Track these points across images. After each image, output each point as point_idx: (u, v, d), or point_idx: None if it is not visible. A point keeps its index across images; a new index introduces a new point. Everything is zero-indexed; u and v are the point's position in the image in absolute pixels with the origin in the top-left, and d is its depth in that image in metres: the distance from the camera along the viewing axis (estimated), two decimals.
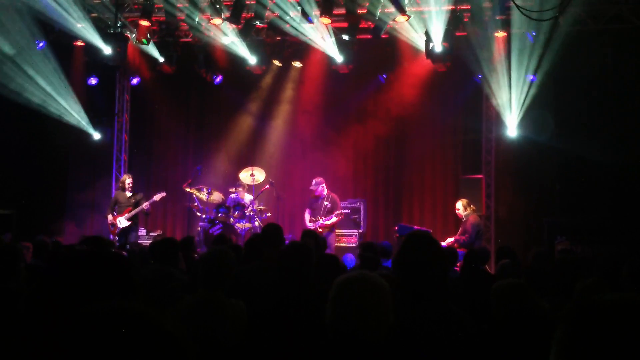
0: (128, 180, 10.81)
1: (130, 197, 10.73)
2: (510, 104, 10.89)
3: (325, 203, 10.27)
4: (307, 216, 10.48)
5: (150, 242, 9.66)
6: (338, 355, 2.20)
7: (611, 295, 1.18)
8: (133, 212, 10.59)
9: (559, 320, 1.19)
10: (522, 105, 10.82)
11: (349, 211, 10.83)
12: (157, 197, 10.78)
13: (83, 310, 1.24)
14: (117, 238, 10.57)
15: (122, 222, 10.58)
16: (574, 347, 1.14)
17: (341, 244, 10.71)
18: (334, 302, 2.25)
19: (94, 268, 2.05)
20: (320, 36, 10.84)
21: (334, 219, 10.12)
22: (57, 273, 2.10)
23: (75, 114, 12.32)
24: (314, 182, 10.40)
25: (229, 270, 3.55)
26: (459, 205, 9.73)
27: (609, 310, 1.15)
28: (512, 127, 11.03)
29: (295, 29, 10.82)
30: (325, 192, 10.38)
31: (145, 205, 10.62)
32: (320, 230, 10.04)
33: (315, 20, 10.34)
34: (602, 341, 1.11)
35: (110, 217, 10.72)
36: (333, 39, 10.80)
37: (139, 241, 10.70)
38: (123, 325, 1.21)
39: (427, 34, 10.18)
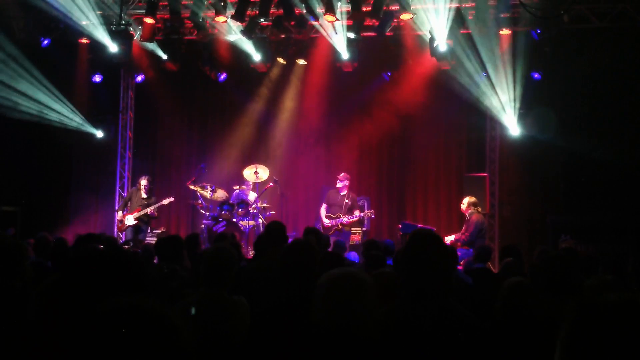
0: (143, 182, 10.87)
1: (144, 198, 10.82)
2: (515, 102, 10.86)
3: (346, 201, 10.33)
4: (323, 212, 10.48)
5: (154, 239, 9.69)
6: (326, 351, 2.23)
7: (614, 295, 1.17)
8: (141, 213, 10.65)
9: (562, 320, 1.19)
10: (527, 103, 10.80)
11: (372, 217, 10.73)
12: (165, 202, 10.90)
13: (94, 307, 1.26)
14: (121, 234, 10.61)
15: (130, 220, 10.65)
16: (577, 346, 1.14)
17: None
18: (319, 299, 2.28)
19: (108, 267, 2.05)
20: (328, 33, 10.81)
21: (356, 218, 10.21)
22: (72, 272, 2.11)
23: (78, 112, 12.35)
24: (342, 174, 10.43)
25: (231, 268, 3.53)
26: (465, 201, 9.66)
27: (612, 310, 1.14)
28: (515, 125, 11.01)
29: (302, 25, 10.79)
30: (346, 190, 10.44)
31: (150, 210, 10.71)
32: (341, 227, 10.12)
33: (320, 18, 10.34)
34: (605, 341, 1.11)
35: (120, 213, 10.90)
36: (344, 33, 10.71)
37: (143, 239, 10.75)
38: (133, 321, 1.22)
39: (431, 32, 10.17)
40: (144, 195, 10.84)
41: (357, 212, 10.26)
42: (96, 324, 1.23)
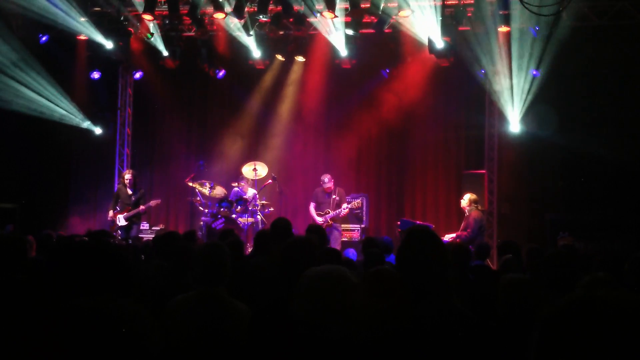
0: (127, 177, 10.68)
1: (130, 195, 10.63)
2: (513, 100, 10.88)
3: (334, 196, 10.40)
4: (312, 210, 10.52)
5: (152, 236, 9.68)
6: (307, 349, 2.23)
7: (582, 295, 1.17)
8: (132, 213, 10.55)
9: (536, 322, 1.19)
10: (525, 100, 10.81)
11: (359, 208, 10.78)
12: (152, 203, 10.83)
13: (60, 306, 1.27)
14: (119, 232, 10.58)
15: (121, 220, 10.52)
16: (549, 349, 1.14)
17: (343, 239, 10.73)
18: (298, 297, 2.27)
19: (90, 259, 2.05)
20: (326, 30, 10.81)
21: (346, 210, 10.26)
22: (55, 265, 2.11)
23: (77, 109, 12.34)
24: (326, 179, 10.45)
25: (226, 265, 3.49)
26: (466, 197, 9.63)
27: (580, 312, 1.14)
28: (515, 122, 11.02)
29: (300, 22, 10.78)
30: (332, 187, 10.48)
31: (141, 208, 10.62)
32: (331, 222, 10.15)
33: (318, 15, 10.34)
34: (576, 342, 1.11)
35: (111, 212, 10.68)
36: (342, 30, 10.72)
37: (141, 235, 10.73)
38: (97, 321, 1.23)
39: (430, 29, 10.17)
40: (129, 192, 10.65)
41: (345, 205, 10.32)
42: (60, 322, 1.24)
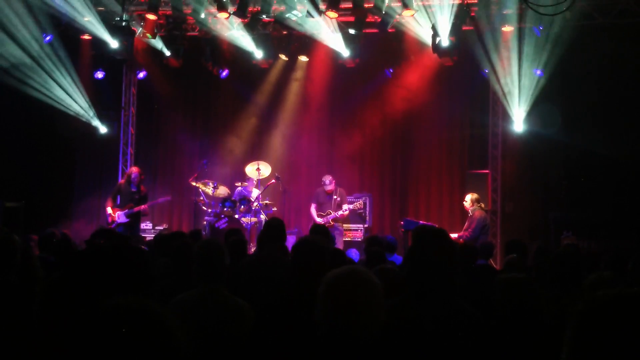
0: (134, 174, 10.33)
1: (134, 192, 10.26)
2: (517, 99, 10.87)
3: (335, 197, 10.39)
4: (313, 211, 10.52)
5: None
6: (330, 352, 2.17)
7: (616, 290, 1.19)
8: (134, 210, 10.20)
9: (568, 317, 1.20)
10: (529, 99, 10.81)
11: (361, 209, 10.78)
12: (160, 200, 10.79)
13: (92, 306, 1.27)
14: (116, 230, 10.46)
15: (121, 217, 10.16)
16: (585, 342, 1.16)
17: (346, 239, 10.73)
18: (324, 298, 2.20)
19: (114, 263, 2.06)
20: (327, 30, 10.82)
21: (347, 212, 10.29)
22: (78, 268, 2.11)
23: (81, 108, 12.37)
24: (327, 181, 10.44)
25: (222, 263, 3.54)
26: (468, 198, 9.66)
27: (617, 305, 1.16)
28: (519, 121, 11.01)
29: (302, 23, 10.80)
30: (333, 188, 10.49)
31: (143, 208, 10.29)
32: (332, 223, 10.16)
33: (321, 15, 10.35)
34: (613, 335, 1.12)
35: (109, 208, 10.25)
36: (339, 33, 10.77)
37: (144, 235, 10.71)
38: (130, 321, 1.24)
39: (433, 28, 10.16)
40: (133, 189, 10.26)
41: (345, 206, 10.31)
42: (93, 323, 1.25)
